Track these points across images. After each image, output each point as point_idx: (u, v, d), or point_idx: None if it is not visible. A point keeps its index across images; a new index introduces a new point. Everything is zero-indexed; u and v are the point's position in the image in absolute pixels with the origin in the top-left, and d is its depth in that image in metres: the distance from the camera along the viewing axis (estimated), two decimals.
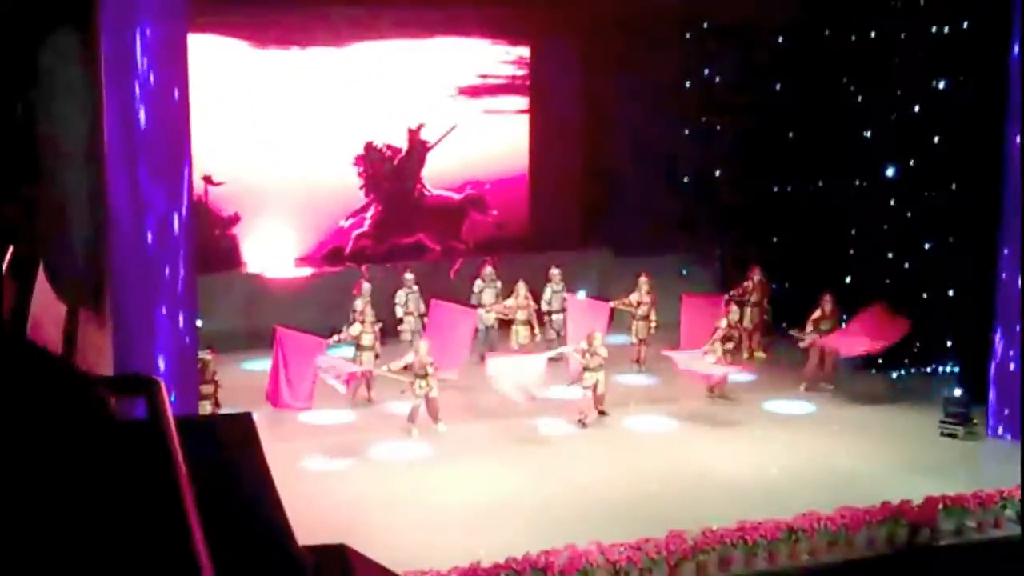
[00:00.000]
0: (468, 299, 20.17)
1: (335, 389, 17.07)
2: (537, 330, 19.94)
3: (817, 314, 19.24)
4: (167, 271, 13.98)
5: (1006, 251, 16.91)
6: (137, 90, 13.53)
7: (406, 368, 17.17)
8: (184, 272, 14.20)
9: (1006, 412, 17.09)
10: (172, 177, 13.96)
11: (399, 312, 19.90)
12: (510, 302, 19.97)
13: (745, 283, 20.96)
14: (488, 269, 20.80)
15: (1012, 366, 16.97)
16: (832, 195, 20.93)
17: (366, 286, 19.41)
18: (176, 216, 13.97)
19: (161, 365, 13.89)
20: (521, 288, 19.95)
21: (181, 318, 14.22)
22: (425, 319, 19.55)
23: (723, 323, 18.87)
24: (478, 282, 20.67)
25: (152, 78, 13.60)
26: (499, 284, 20.61)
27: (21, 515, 1.73)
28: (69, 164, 17.51)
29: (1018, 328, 16.80)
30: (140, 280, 13.84)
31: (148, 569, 1.78)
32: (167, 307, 14.02)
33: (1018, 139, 16.48)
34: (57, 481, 1.76)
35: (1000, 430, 17.17)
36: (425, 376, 17.04)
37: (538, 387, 17.22)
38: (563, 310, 20.25)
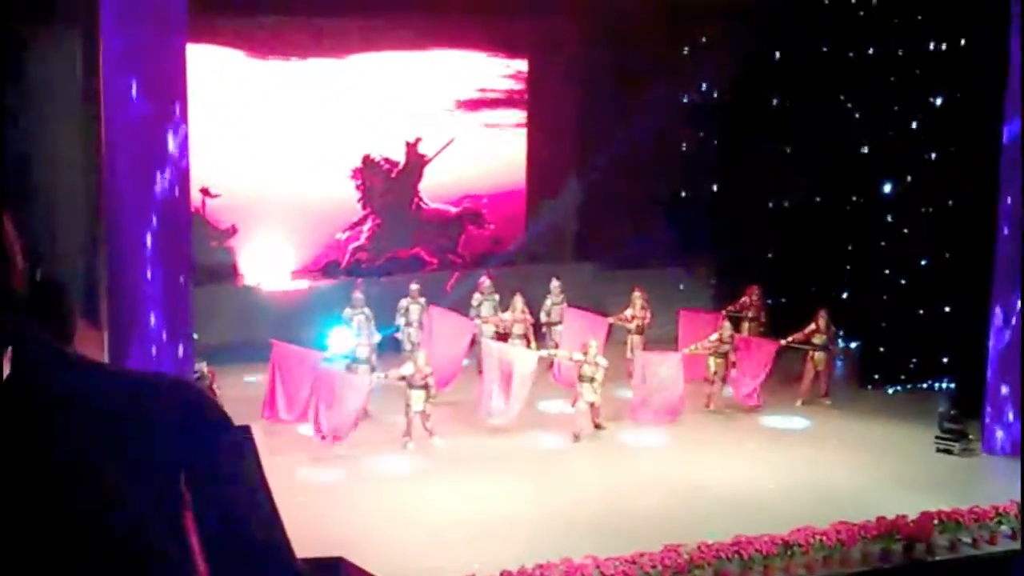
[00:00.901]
0: (466, 312, 20.20)
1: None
2: (534, 344, 19.92)
3: (811, 328, 19.26)
4: (162, 276, 13.95)
5: (1008, 200, 16.62)
6: (134, 92, 13.51)
7: (403, 378, 17.17)
8: (182, 279, 14.21)
9: (1004, 391, 16.94)
10: (169, 186, 13.95)
11: (399, 321, 19.92)
12: (507, 316, 19.98)
13: (742, 299, 21.01)
14: (486, 282, 20.81)
15: (1007, 336, 16.81)
16: (829, 211, 20.95)
17: (357, 296, 19.42)
18: (170, 221, 13.95)
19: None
20: (518, 302, 19.97)
21: (175, 325, 14.22)
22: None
23: (714, 337, 18.91)
24: (476, 295, 20.67)
25: (148, 85, 13.60)
26: (497, 297, 20.63)
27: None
28: (63, 171, 17.60)
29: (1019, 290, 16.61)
30: (134, 287, 13.81)
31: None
32: (160, 313, 13.98)
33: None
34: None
35: (1002, 399, 16.95)
36: (424, 388, 17.02)
37: (522, 386, 17.56)
38: (562, 322, 20.29)
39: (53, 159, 17.74)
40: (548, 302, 20.61)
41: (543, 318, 20.53)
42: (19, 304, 1.83)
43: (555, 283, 20.76)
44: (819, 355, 19.27)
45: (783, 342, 19.26)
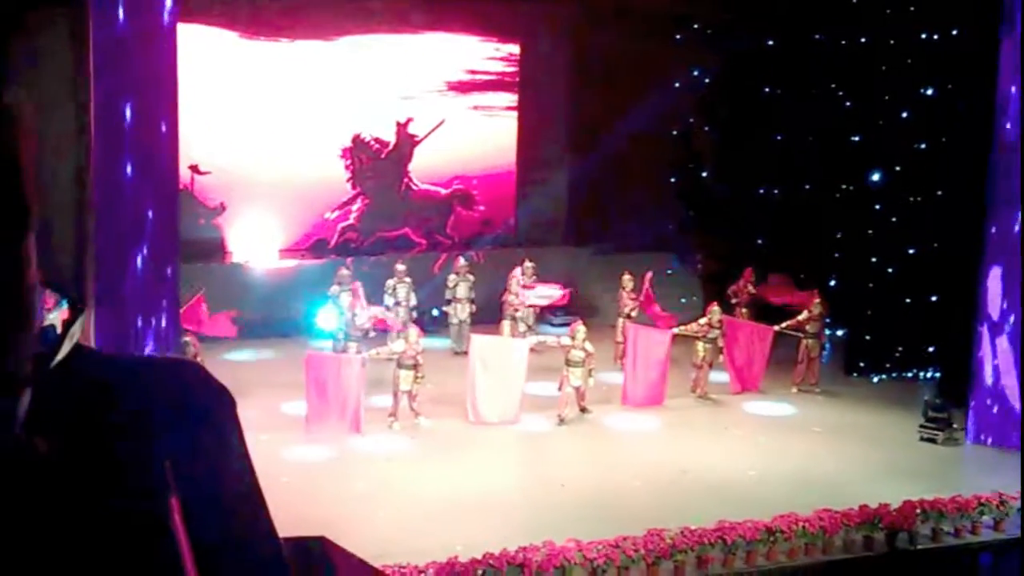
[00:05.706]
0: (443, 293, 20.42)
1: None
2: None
3: (805, 315, 19.33)
4: (150, 254, 13.94)
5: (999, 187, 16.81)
6: (124, 76, 13.46)
7: (393, 356, 17.16)
8: (170, 262, 14.21)
9: (988, 380, 17.06)
10: (159, 163, 13.94)
11: (388, 301, 19.95)
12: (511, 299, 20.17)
13: (738, 283, 21.01)
14: (461, 262, 20.90)
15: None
16: (819, 199, 20.98)
17: (344, 273, 19.56)
18: (161, 203, 13.95)
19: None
20: (514, 285, 20.16)
21: (165, 305, 14.22)
22: (414, 312, 19.68)
23: (703, 320, 18.92)
24: (452, 276, 20.81)
25: (139, 65, 13.56)
26: (472, 278, 20.72)
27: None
28: (52, 154, 17.53)
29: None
30: (121, 264, 13.79)
31: (130, 566, 1.80)
32: (147, 291, 13.98)
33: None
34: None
35: (987, 388, 17.14)
36: (413, 367, 16.97)
37: (517, 378, 17.44)
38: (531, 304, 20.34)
39: (42, 142, 17.65)
40: (514, 284, 20.54)
41: (512, 299, 20.46)
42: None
43: (528, 264, 20.80)
44: (812, 342, 19.36)
45: (776, 328, 19.31)
